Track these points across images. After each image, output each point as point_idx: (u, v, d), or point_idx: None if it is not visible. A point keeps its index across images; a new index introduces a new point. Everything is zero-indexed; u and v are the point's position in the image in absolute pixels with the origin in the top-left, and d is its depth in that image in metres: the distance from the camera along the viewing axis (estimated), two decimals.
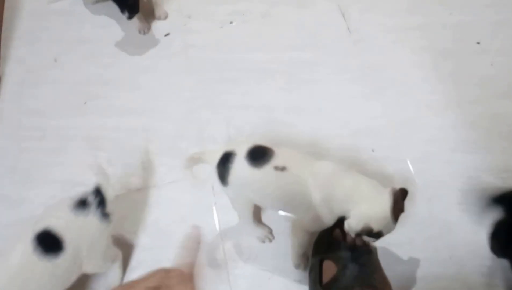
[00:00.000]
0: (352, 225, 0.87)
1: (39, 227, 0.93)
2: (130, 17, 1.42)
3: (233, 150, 0.97)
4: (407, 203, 0.91)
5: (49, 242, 0.92)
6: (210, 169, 1.01)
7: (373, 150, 1.28)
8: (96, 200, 0.98)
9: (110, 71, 1.51)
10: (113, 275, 1.11)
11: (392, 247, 1.12)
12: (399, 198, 0.88)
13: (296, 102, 1.40)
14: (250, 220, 1.13)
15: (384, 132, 1.31)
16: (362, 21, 1.53)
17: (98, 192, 0.99)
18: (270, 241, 1.17)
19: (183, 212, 1.23)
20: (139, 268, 1.16)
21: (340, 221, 0.90)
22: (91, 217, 0.97)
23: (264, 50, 1.51)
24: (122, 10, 1.40)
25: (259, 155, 0.95)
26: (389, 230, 0.88)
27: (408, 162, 1.25)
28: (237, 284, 1.13)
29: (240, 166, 0.96)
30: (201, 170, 1.30)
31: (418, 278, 1.09)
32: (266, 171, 0.93)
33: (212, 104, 1.42)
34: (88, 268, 1.00)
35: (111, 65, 1.52)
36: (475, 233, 1.11)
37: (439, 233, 1.14)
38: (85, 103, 1.45)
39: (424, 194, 1.19)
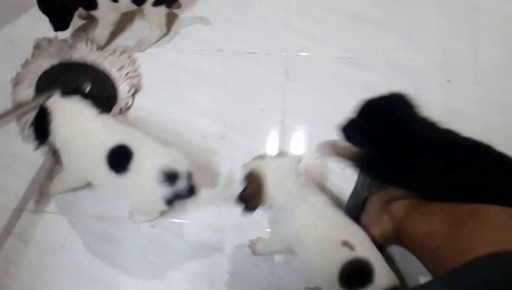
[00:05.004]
0: None
1: None
2: (55, 29, 1.26)
3: None
4: None
5: None
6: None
7: (448, 81, 1.29)
8: None
9: None
10: None
11: None
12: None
13: (390, 21, 1.42)
14: None
15: (466, 70, 1.31)
16: None
17: None
18: None
19: (253, 81, 1.35)
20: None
21: None
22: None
23: None
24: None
25: None
26: None
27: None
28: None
29: None
30: None
31: None
32: None
33: None
34: None
35: None
36: None
37: None
38: None
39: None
